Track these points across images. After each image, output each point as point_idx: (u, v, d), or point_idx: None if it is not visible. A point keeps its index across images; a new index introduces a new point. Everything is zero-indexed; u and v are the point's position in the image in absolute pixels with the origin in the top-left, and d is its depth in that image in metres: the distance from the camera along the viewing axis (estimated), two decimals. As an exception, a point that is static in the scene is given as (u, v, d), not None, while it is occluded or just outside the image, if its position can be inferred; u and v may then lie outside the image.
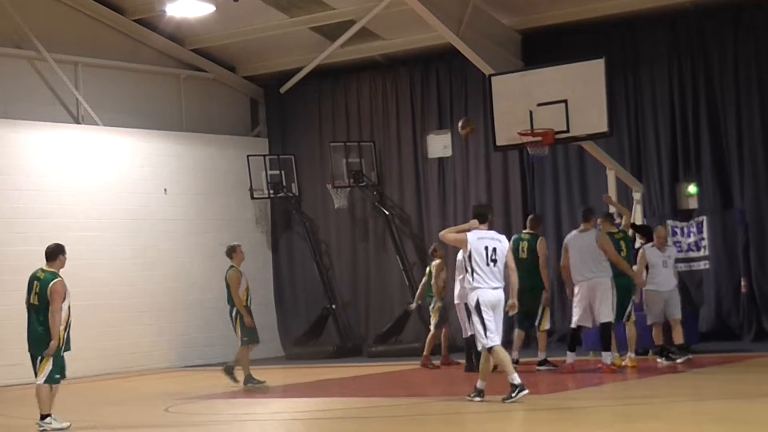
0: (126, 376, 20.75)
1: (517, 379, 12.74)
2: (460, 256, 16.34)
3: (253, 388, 16.72)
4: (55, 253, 13.24)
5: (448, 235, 13.52)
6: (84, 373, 20.65)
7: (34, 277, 13.16)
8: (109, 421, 14.07)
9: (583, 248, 16.10)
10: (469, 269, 13.07)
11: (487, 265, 13.04)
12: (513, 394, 12.65)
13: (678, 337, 16.31)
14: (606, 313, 15.85)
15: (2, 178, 20.38)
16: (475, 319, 13.07)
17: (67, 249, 21.27)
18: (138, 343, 22.03)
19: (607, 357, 15.77)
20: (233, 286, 17.04)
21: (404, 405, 13.64)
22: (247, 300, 17.08)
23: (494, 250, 13.11)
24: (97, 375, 20.88)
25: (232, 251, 17.46)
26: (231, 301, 17.12)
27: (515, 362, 16.78)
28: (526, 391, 12.63)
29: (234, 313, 17.11)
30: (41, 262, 19.97)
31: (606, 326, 15.87)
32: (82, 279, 21.20)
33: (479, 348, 13.15)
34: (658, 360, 16.19)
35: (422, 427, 11.78)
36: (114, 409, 15.37)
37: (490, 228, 13.34)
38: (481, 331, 13.00)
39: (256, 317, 23.90)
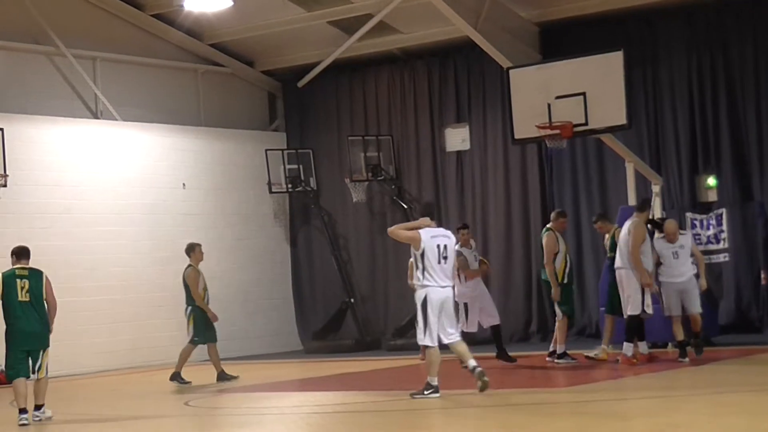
0: (145, 370, 20.79)
1: (435, 381, 13.09)
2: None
3: (181, 387, 16.72)
4: (26, 251, 13.55)
5: (399, 232, 13.43)
6: (103, 367, 20.74)
7: (14, 276, 13.26)
8: (129, 414, 14.10)
9: (622, 237, 16.04)
10: (420, 267, 13.08)
11: (439, 263, 13.07)
12: (425, 392, 13.09)
13: (696, 326, 16.03)
14: (631, 306, 15.73)
15: (22, 174, 20.43)
16: (420, 316, 13.14)
17: (86, 244, 21.54)
18: (157, 338, 22.07)
19: (628, 349, 15.68)
20: (192, 285, 17.02)
21: (422, 398, 13.62)
22: (204, 299, 17.08)
23: (445, 247, 13.14)
24: (117, 369, 20.94)
25: (191, 250, 17.38)
26: (189, 300, 17.11)
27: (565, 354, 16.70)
28: (438, 395, 13.01)
29: (188, 312, 17.11)
30: (62, 257, 20.28)
31: (630, 318, 15.78)
32: (101, 273, 21.33)
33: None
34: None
35: (442, 420, 11.78)
36: (134, 403, 15.40)
37: (439, 225, 13.53)
38: (422, 328, 13.14)
39: (274, 311, 24.27)
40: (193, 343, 17.13)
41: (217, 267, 23.26)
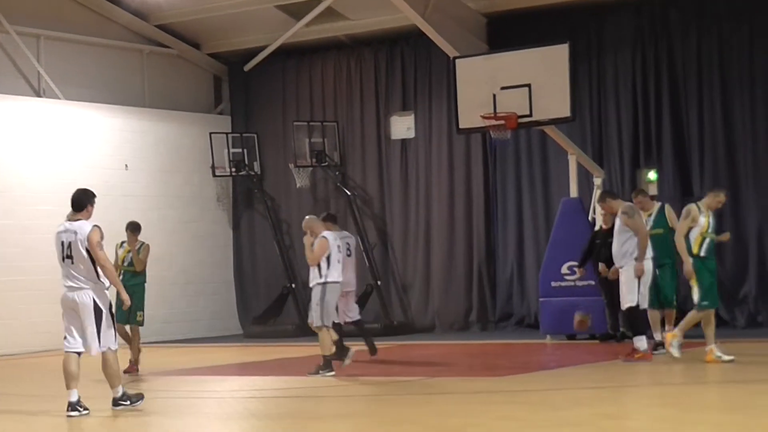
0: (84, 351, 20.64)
1: (73, 396, 11.54)
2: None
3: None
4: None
5: None
6: (43, 347, 20.56)
7: None
8: (65, 394, 14.00)
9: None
10: None
11: (63, 261, 11.58)
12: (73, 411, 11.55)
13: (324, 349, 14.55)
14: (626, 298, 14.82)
15: (-39, 151, 20.24)
16: None
17: (26, 223, 21.27)
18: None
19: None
20: None
21: (360, 385, 13.68)
22: None
23: (69, 244, 11.50)
24: (56, 349, 20.74)
25: None
26: None
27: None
28: (76, 413, 11.44)
29: None
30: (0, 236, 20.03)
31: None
32: (41, 253, 21.08)
33: None
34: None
35: (379, 407, 11.82)
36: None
37: (88, 216, 11.75)
38: None
39: (215, 295, 24.22)
40: None
41: (159, 249, 23.03)
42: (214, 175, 23.94)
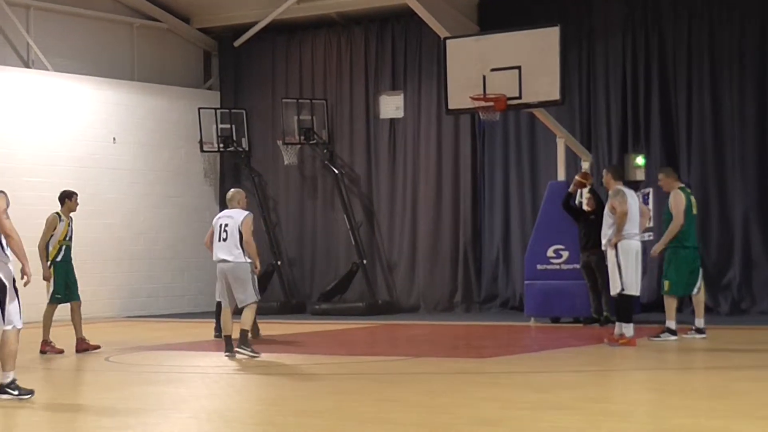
0: (68, 324, 20.61)
1: (9, 377, 10.55)
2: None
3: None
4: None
5: None
6: (25, 320, 20.50)
7: None
8: (48, 367, 14.01)
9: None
10: None
11: None
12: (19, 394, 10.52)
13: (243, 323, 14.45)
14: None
15: (-52, 120, 20.14)
16: None
17: (11, 194, 21.14)
18: (81, 292, 21.86)
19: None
20: None
21: (345, 363, 13.70)
22: None
23: None
24: (38, 321, 20.72)
25: None
26: None
27: None
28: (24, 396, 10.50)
29: None
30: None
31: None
32: (27, 225, 20.97)
33: None
34: None
35: (366, 385, 11.84)
36: (54, 357, 15.29)
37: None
38: None
39: (201, 270, 24.17)
40: None
41: (144, 224, 23.18)
42: (202, 151, 23.92)
